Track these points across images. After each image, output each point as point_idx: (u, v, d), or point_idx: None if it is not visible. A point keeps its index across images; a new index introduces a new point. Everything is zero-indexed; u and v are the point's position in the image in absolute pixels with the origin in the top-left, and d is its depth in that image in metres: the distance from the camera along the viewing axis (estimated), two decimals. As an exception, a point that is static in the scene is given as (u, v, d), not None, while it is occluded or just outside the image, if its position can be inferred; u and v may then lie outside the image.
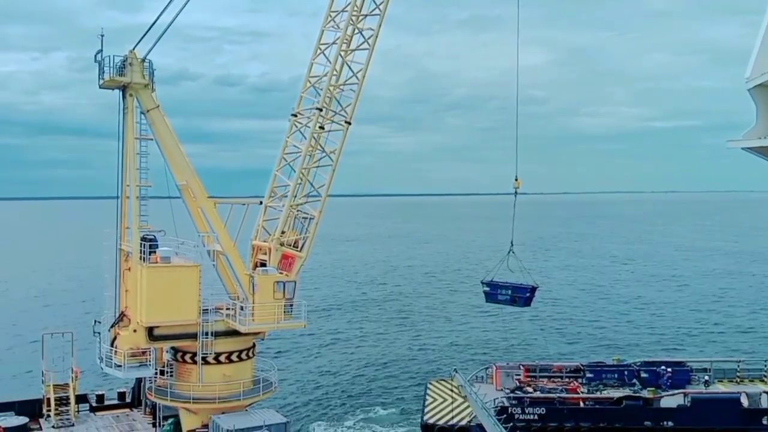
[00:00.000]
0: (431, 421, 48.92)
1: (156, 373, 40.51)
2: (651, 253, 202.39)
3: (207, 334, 39.96)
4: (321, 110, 41.28)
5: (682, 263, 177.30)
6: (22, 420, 41.34)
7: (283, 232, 41.67)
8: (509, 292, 51.67)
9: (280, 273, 41.14)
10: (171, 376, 41.26)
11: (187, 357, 40.68)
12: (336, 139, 41.99)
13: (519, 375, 54.68)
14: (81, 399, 44.50)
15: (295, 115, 42.38)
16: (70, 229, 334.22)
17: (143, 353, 39.32)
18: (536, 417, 48.80)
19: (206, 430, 39.55)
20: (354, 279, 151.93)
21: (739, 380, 55.36)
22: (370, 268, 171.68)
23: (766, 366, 57.06)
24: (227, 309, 41.24)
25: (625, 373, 54.27)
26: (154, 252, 39.48)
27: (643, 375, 53.59)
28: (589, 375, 54.26)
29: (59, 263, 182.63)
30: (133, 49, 40.75)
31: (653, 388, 51.60)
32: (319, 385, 71.08)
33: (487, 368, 57.49)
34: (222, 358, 40.61)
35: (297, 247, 41.86)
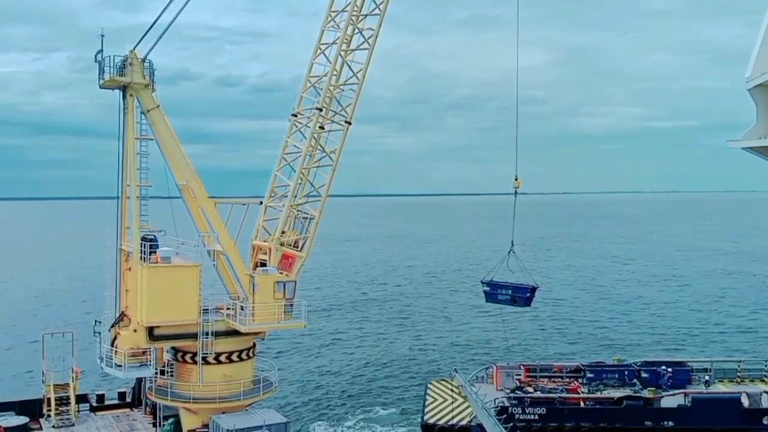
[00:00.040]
0: (431, 421, 48.92)
1: (156, 373, 40.52)
2: (651, 253, 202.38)
3: (207, 334, 39.98)
4: (321, 110, 41.28)
5: (682, 263, 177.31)
6: (23, 420, 41.37)
7: (283, 232, 41.68)
8: (509, 292, 51.67)
9: (281, 273, 41.15)
10: (171, 376, 41.27)
11: (188, 357, 40.69)
12: (336, 139, 42.00)
13: (519, 375, 54.69)
14: (81, 399, 44.52)
15: (296, 115, 42.39)
16: (71, 229, 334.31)
17: (143, 353, 39.33)
18: (537, 417, 48.80)
19: (206, 430, 39.57)
20: (354, 279, 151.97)
21: (739, 380, 55.35)
22: (370, 268, 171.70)
23: (766, 366, 57.05)
24: (227, 309, 41.27)
25: (626, 373, 54.28)
26: (155, 252, 39.49)
27: (644, 375, 53.59)
28: (589, 375, 54.25)
29: (59, 263, 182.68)
30: (134, 49, 40.77)
31: (654, 388, 51.59)
32: (319, 385, 71.10)
33: (487, 368, 57.49)
34: (222, 358, 40.63)
35: (297, 247, 41.87)
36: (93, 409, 44.90)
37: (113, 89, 41.39)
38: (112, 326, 40.98)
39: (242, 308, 40.11)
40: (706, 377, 54.41)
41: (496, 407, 48.28)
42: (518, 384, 53.33)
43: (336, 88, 41.76)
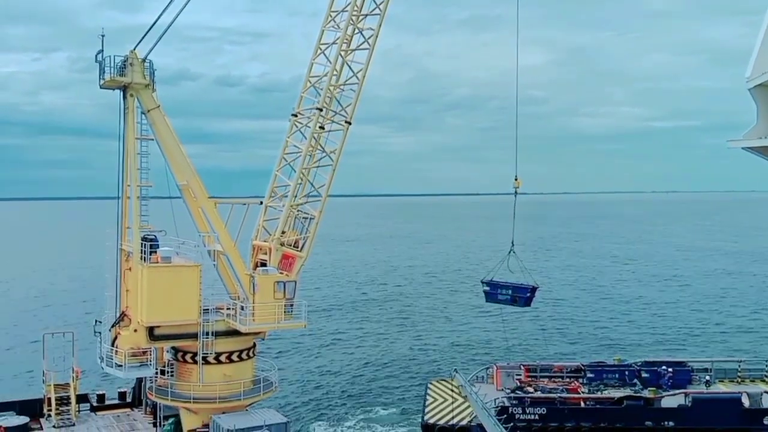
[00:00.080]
0: (432, 421, 48.93)
1: (156, 373, 40.54)
2: (651, 253, 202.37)
3: (207, 333, 39.98)
4: (321, 110, 41.29)
5: (682, 263, 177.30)
6: (23, 420, 41.38)
7: (283, 232, 41.69)
8: (509, 291, 51.67)
9: (281, 273, 41.16)
10: (171, 375, 41.28)
11: (188, 357, 40.70)
12: (336, 139, 42.01)
13: (520, 375, 54.68)
14: (82, 399, 44.54)
15: (296, 115, 42.39)
16: (71, 229, 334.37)
17: (144, 353, 39.34)
18: (537, 417, 48.78)
19: (207, 429, 39.58)
20: (354, 279, 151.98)
21: (740, 380, 55.36)
22: (370, 269, 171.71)
23: (767, 366, 57.06)
24: (228, 309, 41.28)
25: (626, 373, 54.26)
26: (155, 252, 39.51)
27: (644, 375, 53.57)
28: (589, 375, 54.24)
29: (60, 263, 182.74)
30: (134, 49, 40.78)
31: (654, 388, 51.58)
32: (319, 385, 71.11)
33: (487, 368, 57.49)
34: (222, 357, 40.64)
35: (297, 247, 41.87)
36: (93, 409, 44.93)
37: (113, 89, 41.41)
38: (113, 326, 41.00)
39: (242, 308, 40.12)
40: (707, 377, 54.40)
41: (497, 407, 48.27)
42: (518, 384, 53.32)
43: (336, 88, 41.77)
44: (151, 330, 39.40)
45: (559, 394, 51.09)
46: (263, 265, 41.59)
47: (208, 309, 40.64)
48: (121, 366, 39.02)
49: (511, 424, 46.77)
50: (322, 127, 41.65)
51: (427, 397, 53.27)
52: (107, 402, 45.62)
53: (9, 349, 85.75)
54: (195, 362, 40.38)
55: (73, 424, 42.10)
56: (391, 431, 58.62)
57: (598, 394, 51.82)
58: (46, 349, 43.81)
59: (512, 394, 50.87)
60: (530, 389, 52.30)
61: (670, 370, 53.60)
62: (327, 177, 41.86)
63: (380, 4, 40.79)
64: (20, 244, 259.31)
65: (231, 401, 40.12)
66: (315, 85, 42.09)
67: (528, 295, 51.34)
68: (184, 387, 40.41)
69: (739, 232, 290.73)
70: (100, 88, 41.51)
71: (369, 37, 41.09)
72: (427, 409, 50.62)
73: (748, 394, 49.95)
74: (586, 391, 52.50)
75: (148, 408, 44.21)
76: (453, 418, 49.23)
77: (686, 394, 50.23)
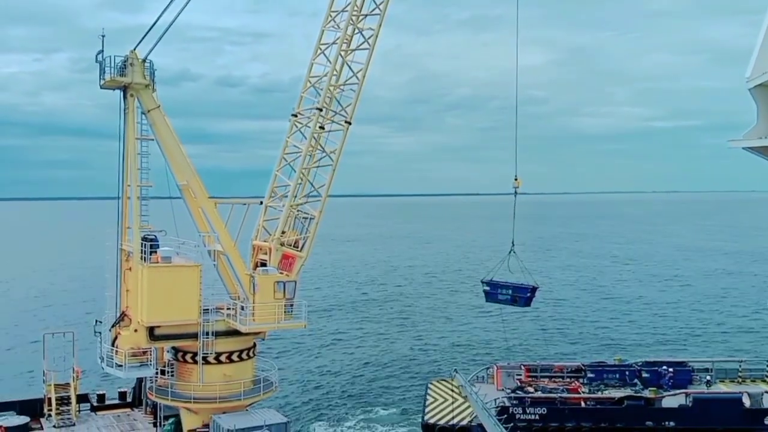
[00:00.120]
0: (432, 421, 48.92)
1: (157, 373, 40.53)
2: (652, 253, 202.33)
3: (208, 333, 39.98)
4: (321, 110, 41.28)
5: (683, 263, 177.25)
6: (24, 419, 41.39)
7: (283, 232, 41.69)
8: (510, 291, 51.66)
9: (281, 273, 41.15)
10: (172, 375, 41.27)
11: (188, 357, 40.70)
12: (336, 139, 42.00)
13: (520, 375, 54.67)
14: (82, 399, 44.53)
15: (296, 115, 42.39)
16: (71, 229, 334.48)
17: (144, 353, 39.34)
18: (537, 417, 48.77)
19: (207, 429, 39.58)
20: (354, 279, 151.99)
21: (740, 380, 55.34)
22: (370, 269, 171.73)
23: (767, 366, 57.01)
24: (228, 309, 41.27)
25: (627, 373, 54.24)
26: (155, 252, 39.51)
27: (645, 375, 53.55)
28: (590, 375, 54.21)
29: (60, 263, 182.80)
30: (134, 49, 40.76)
31: (655, 388, 51.55)
32: (319, 385, 71.11)
33: (487, 368, 57.49)
34: (222, 357, 40.63)
35: (297, 247, 41.87)
36: (93, 409, 44.93)
37: (114, 89, 41.40)
38: (113, 326, 41.00)
39: (242, 308, 40.11)
40: (708, 377, 54.39)
41: (497, 407, 48.27)
42: (519, 384, 53.31)
43: (336, 88, 41.76)
44: (151, 330, 39.39)
45: (559, 394, 51.06)
46: (263, 265, 41.58)
47: (208, 309, 40.63)
48: (121, 366, 39.03)
49: (512, 424, 46.77)
50: (322, 127, 41.65)
51: (428, 397, 53.26)
52: (107, 402, 45.61)
53: (9, 349, 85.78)
54: (195, 362, 40.38)
55: (74, 424, 42.10)
56: (391, 431, 58.62)
57: (599, 394, 51.80)
58: (47, 349, 43.81)
59: (512, 394, 50.86)
60: (531, 389, 52.28)
61: (670, 370, 53.58)
62: (327, 177, 41.85)
63: (380, 4, 40.77)
64: (21, 244, 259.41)
65: (231, 401, 40.11)
66: (315, 86, 42.08)
67: (528, 295, 51.32)
68: (184, 387, 40.41)
69: (739, 232, 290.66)
70: (101, 88, 41.51)
71: (369, 37, 41.08)
72: (427, 409, 50.62)
73: (748, 394, 49.93)
74: (587, 391, 52.48)
75: (148, 408, 44.21)
76: (453, 418, 49.22)
77: (687, 394, 50.21)
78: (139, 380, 44.04)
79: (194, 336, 39.96)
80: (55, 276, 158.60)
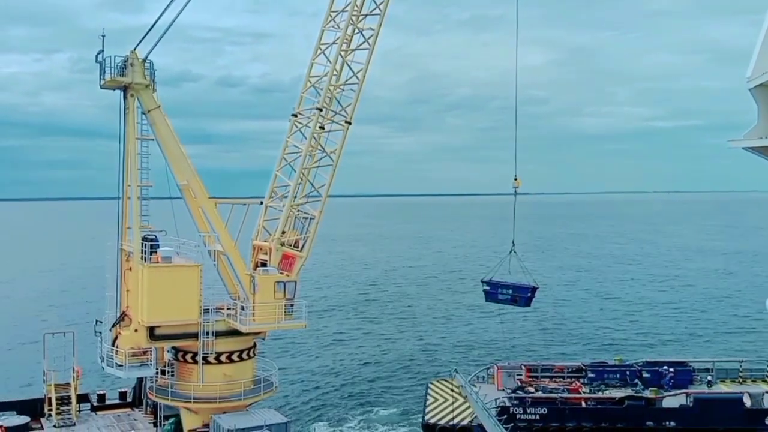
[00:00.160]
0: (432, 421, 48.94)
1: (157, 373, 40.54)
2: (652, 253, 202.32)
3: (208, 333, 39.98)
4: (321, 110, 41.27)
5: (684, 263, 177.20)
6: (24, 419, 41.41)
7: (283, 232, 41.68)
8: (510, 291, 51.68)
9: (281, 273, 41.15)
10: (172, 375, 41.26)
11: (188, 357, 40.69)
12: (336, 139, 41.99)
13: (520, 375, 54.69)
14: (82, 398, 44.55)
15: (296, 115, 42.38)
16: (72, 229, 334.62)
17: (144, 353, 39.35)
18: (538, 417, 48.78)
19: (207, 429, 39.58)
20: (355, 279, 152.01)
21: (741, 380, 55.35)
22: (370, 269, 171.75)
23: None
24: (228, 309, 41.26)
25: (627, 373, 54.25)
26: (156, 252, 39.52)
27: (646, 375, 53.57)
28: (591, 375, 54.23)
29: (60, 263, 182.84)
30: (134, 49, 40.76)
31: (655, 388, 51.56)
32: (319, 385, 71.11)
33: (488, 368, 57.52)
34: (223, 357, 40.63)
35: (297, 247, 41.87)
36: (94, 409, 44.93)
37: (114, 89, 41.39)
38: (113, 326, 41.00)
39: (243, 308, 40.11)
40: (708, 377, 54.43)
41: (497, 407, 48.28)
42: (519, 384, 53.33)
43: (336, 88, 41.75)
44: (151, 330, 39.40)
45: (560, 395, 51.07)
46: (263, 265, 41.58)
47: (208, 309, 40.65)
48: (121, 366, 39.04)
49: (512, 424, 46.78)
50: (322, 127, 41.64)
51: (428, 397, 53.26)
52: (108, 402, 45.62)
53: (10, 349, 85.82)
54: (195, 362, 40.38)
55: (74, 424, 42.11)
56: (391, 431, 58.61)
57: (600, 395, 51.82)
58: (47, 348, 43.81)
59: (513, 394, 50.89)
60: (531, 389, 52.30)
61: (671, 370, 53.59)
62: (327, 177, 41.86)
63: (380, 4, 40.76)
64: (21, 244, 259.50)
65: (231, 401, 40.12)
66: (315, 86, 42.07)
67: (528, 295, 51.34)
68: (184, 387, 40.41)
69: (740, 232, 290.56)
70: (101, 88, 41.50)
71: (369, 37, 41.07)
72: (427, 409, 50.62)
73: (749, 395, 49.94)
74: (588, 391, 52.50)
75: (148, 408, 44.21)
76: (453, 418, 49.22)
77: (688, 395, 50.24)
78: (140, 380, 44.05)
79: (194, 336, 39.97)
80: (56, 276, 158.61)
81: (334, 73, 41.34)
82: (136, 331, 39.58)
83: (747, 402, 49.42)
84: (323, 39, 41.86)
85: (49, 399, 42.32)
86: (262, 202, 42.65)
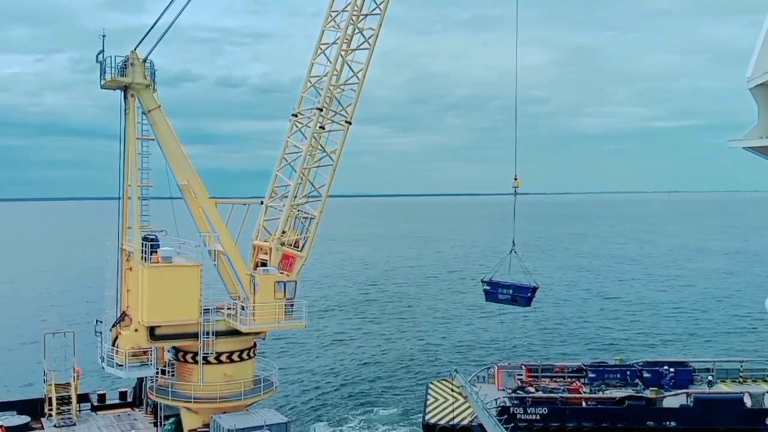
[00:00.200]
0: (432, 421, 48.93)
1: (157, 373, 40.55)
2: (653, 253, 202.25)
3: (208, 333, 39.99)
4: (321, 110, 41.28)
5: (684, 263, 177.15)
6: (24, 419, 41.44)
7: (283, 232, 41.69)
8: (510, 291, 51.67)
9: (281, 273, 41.15)
10: (172, 375, 41.28)
11: (189, 356, 40.70)
12: (336, 139, 42.00)
13: (521, 375, 54.67)
14: (82, 398, 44.56)
15: (296, 115, 42.38)
16: (72, 229, 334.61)
17: (144, 353, 39.36)
18: (538, 417, 48.76)
19: (207, 429, 39.59)
20: (355, 279, 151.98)
21: (742, 380, 55.31)
22: (370, 269, 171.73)
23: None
24: (228, 309, 41.27)
25: (628, 373, 54.23)
26: (156, 252, 39.52)
27: (646, 375, 53.55)
28: (591, 375, 54.20)
29: (60, 263, 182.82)
30: (135, 49, 40.75)
31: (656, 388, 51.52)
32: (319, 385, 71.10)
33: (488, 368, 57.50)
34: (223, 357, 40.63)
35: (298, 247, 41.86)
36: (94, 409, 44.94)
37: (114, 89, 41.39)
38: (114, 326, 41.00)
39: (243, 308, 40.12)
40: (709, 377, 54.39)
41: (498, 407, 48.26)
42: (520, 384, 53.30)
43: (336, 88, 41.75)
44: (151, 330, 39.41)
45: (560, 394, 51.05)
46: (264, 264, 41.59)
47: (208, 309, 40.67)
48: (121, 366, 39.05)
49: (512, 424, 46.76)
50: (322, 127, 41.64)
51: (428, 397, 53.26)
52: (108, 402, 45.63)
53: (10, 349, 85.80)
54: (195, 362, 40.39)
55: (74, 424, 42.12)
56: (391, 431, 58.59)
57: (600, 394, 51.79)
58: (47, 348, 43.80)
59: (513, 394, 50.86)
60: (531, 389, 52.27)
61: (671, 370, 53.56)
62: (327, 177, 41.86)
63: (380, 4, 40.76)
64: (22, 244, 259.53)
65: (231, 401, 40.12)
66: (315, 85, 42.08)
67: (528, 294, 51.33)
68: (184, 387, 40.42)
69: (740, 232, 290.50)
70: (101, 88, 41.50)
71: (369, 37, 41.07)
72: (428, 409, 50.62)
73: (750, 394, 49.91)
74: (588, 391, 52.47)
75: (148, 408, 44.21)
76: (454, 418, 49.21)
77: (688, 395, 50.21)
78: (140, 380, 44.06)
79: (195, 336, 39.97)
80: (56, 276, 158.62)
81: (335, 73, 41.34)
82: (136, 330, 39.58)
83: (747, 402, 49.39)
84: (323, 39, 41.87)
85: (50, 399, 42.33)
86: (262, 202, 42.65)
